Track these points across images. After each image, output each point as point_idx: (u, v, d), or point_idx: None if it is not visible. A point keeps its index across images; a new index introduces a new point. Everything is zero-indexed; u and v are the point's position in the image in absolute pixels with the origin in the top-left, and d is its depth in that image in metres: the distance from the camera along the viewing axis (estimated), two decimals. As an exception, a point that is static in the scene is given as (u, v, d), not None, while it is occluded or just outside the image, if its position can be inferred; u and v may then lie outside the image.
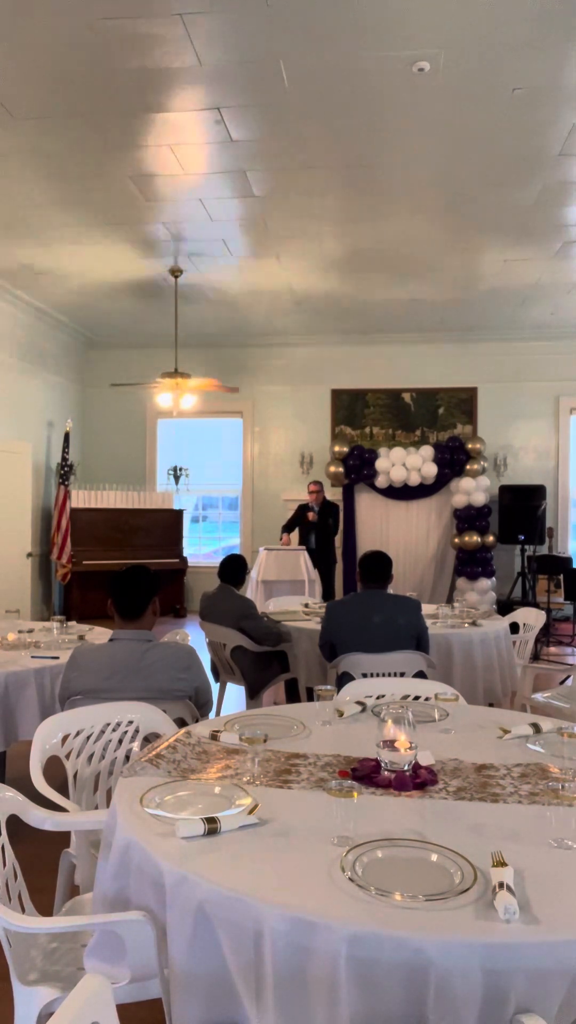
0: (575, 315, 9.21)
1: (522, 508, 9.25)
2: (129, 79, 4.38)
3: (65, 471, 9.48)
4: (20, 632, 4.18)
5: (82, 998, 1.09)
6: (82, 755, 2.39)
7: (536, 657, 7.07)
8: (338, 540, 9.91)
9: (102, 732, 2.42)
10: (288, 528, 8.58)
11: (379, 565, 3.84)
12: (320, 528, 8.60)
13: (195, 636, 4.35)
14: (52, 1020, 1.04)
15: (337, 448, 9.77)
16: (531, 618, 5.07)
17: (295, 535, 8.75)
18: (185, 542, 10.35)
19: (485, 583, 9.44)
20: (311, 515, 8.56)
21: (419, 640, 3.73)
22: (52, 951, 1.79)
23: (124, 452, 10.84)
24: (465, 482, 9.44)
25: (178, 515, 10.20)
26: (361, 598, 3.86)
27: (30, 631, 4.25)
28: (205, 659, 3.78)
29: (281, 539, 8.62)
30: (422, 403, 10.33)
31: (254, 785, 1.85)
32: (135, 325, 9.91)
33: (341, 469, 9.77)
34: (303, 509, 8.76)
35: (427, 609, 4.61)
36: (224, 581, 4.78)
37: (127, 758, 2.40)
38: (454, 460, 9.53)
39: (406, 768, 1.87)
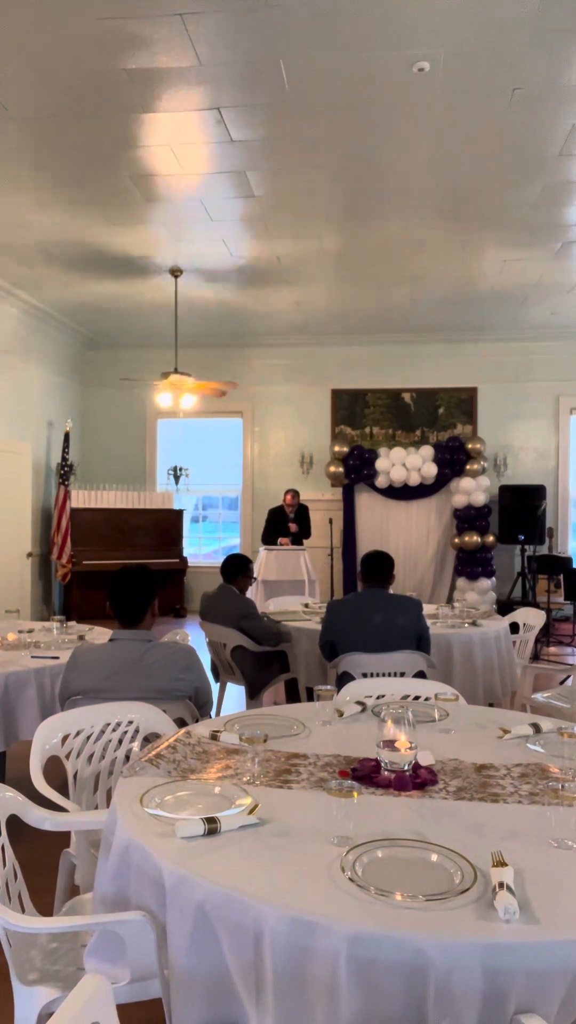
0: (575, 315, 9.21)
1: (522, 508, 9.25)
2: (129, 79, 4.38)
3: (65, 471, 9.48)
4: (20, 632, 4.18)
5: (82, 998, 1.09)
6: (82, 755, 2.39)
7: (536, 657, 7.07)
8: (337, 540, 9.92)
9: (102, 732, 2.42)
10: (270, 540, 8.47)
11: (380, 565, 3.83)
12: (296, 533, 8.55)
13: (195, 636, 4.35)
14: (52, 1020, 1.04)
15: (337, 448, 9.77)
16: (531, 618, 5.07)
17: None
18: (185, 542, 10.35)
19: (485, 583, 9.44)
20: (292, 526, 8.51)
21: (420, 640, 3.73)
22: (52, 951, 1.79)
23: (124, 452, 10.84)
24: (465, 482, 9.43)
25: (178, 515, 10.20)
26: (362, 598, 3.86)
27: (30, 631, 4.25)
28: (205, 659, 3.78)
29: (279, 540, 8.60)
30: (422, 403, 10.33)
31: (254, 785, 1.85)
32: (135, 325, 9.91)
33: (341, 469, 9.77)
34: (276, 515, 8.63)
35: (427, 609, 4.61)
36: (227, 580, 4.77)
37: (127, 758, 2.40)
38: (454, 460, 9.53)
39: (406, 768, 1.87)
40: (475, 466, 9.45)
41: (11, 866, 1.79)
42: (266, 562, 8.06)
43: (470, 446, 9.48)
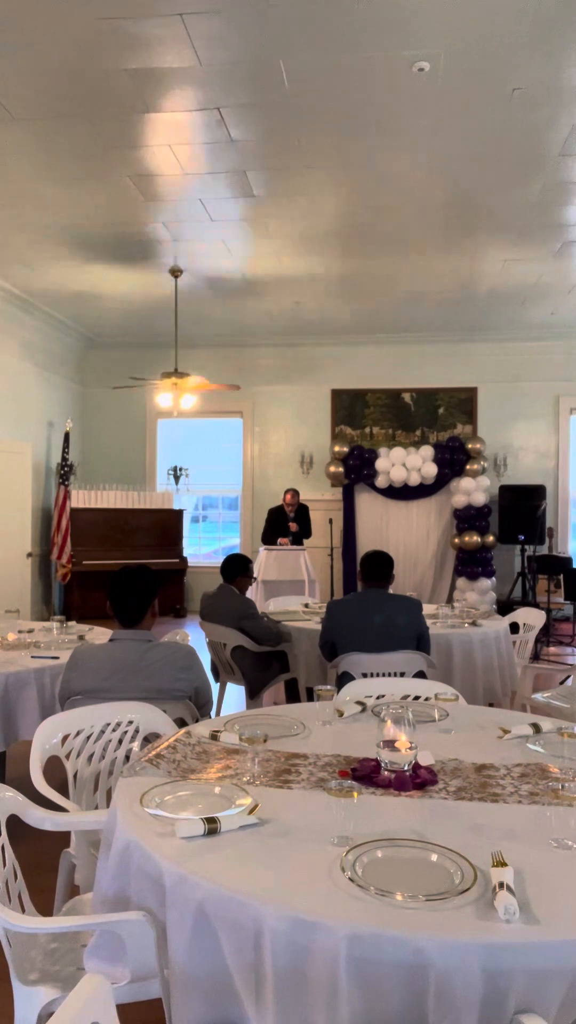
0: (575, 315, 9.21)
1: (522, 508, 9.25)
2: (129, 79, 4.38)
3: (65, 471, 9.48)
4: (20, 632, 4.18)
5: (82, 998, 1.09)
6: (82, 755, 2.39)
7: (536, 657, 7.07)
8: (337, 540, 9.92)
9: (102, 732, 2.42)
10: (270, 540, 8.48)
11: (380, 565, 3.83)
12: (297, 533, 8.55)
13: (195, 636, 4.35)
14: (52, 1020, 1.04)
15: (337, 448, 9.77)
16: (531, 618, 5.07)
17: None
18: (185, 542, 10.35)
19: (485, 583, 9.44)
20: (292, 526, 8.52)
21: (420, 640, 3.73)
22: (52, 951, 1.79)
23: (124, 452, 10.85)
24: (465, 482, 9.44)
25: (178, 515, 10.20)
26: (362, 598, 3.86)
27: (30, 631, 4.25)
28: (205, 659, 3.78)
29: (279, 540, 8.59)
30: (422, 403, 10.33)
31: (254, 785, 1.85)
32: (135, 325, 9.91)
33: (341, 469, 9.77)
34: (276, 515, 8.63)
35: (427, 609, 4.61)
36: (227, 580, 4.77)
37: (127, 758, 2.40)
38: (454, 460, 9.53)
39: (406, 768, 1.87)
40: (475, 466, 9.45)
41: (11, 866, 1.79)
42: (266, 562, 8.06)
43: (470, 446, 9.48)
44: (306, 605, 5.53)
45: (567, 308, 8.92)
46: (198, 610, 4.92)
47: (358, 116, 4.75)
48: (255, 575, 7.70)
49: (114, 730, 2.43)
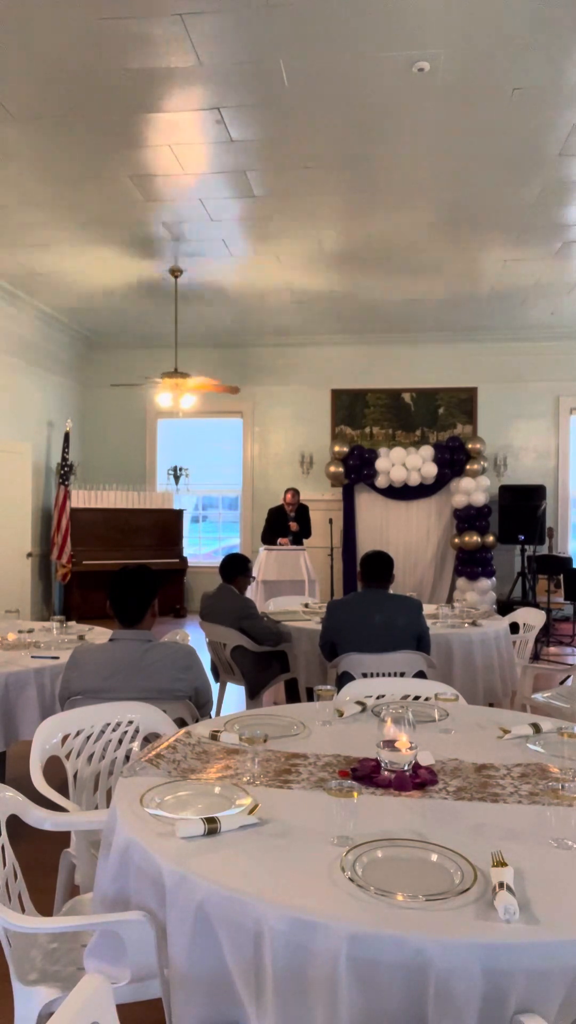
0: (575, 315, 9.21)
1: (522, 508, 9.25)
2: (129, 79, 4.38)
3: (65, 471, 9.48)
4: (20, 632, 4.18)
5: (82, 998, 1.09)
6: (82, 755, 2.39)
7: (536, 657, 7.07)
8: (337, 540, 9.92)
9: (102, 732, 2.42)
10: (270, 540, 8.47)
11: (380, 565, 3.83)
12: (297, 532, 8.55)
13: (195, 636, 4.35)
14: (52, 1020, 1.04)
15: (337, 448, 9.77)
16: (531, 618, 5.07)
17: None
18: (185, 542, 10.35)
19: (485, 583, 9.43)
20: (293, 525, 8.52)
21: (420, 640, 3.73)
22: (52, 951, 1.79)
23: (124, 452, 10.85)
24: (465, 482, 9.43)
25: (178, 515, 10.20)
26: (362, 598, 3.86)
27: (30, 631, 4.25)
28: (205, 659, 3.78)
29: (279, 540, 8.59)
30: (422, 403, 10.33)
31: (254, 785, 1.85)
32: (135, 325, 9.91)
33: (341, 469, 9.77)
34: (277, 515, 8.63)
35: (427, 609, 4.61)
36: (226, 580, 4.77)
37: (127, 758, 2.40)
38: (454, 460, 9.53)
39: (406, 768, 1.87)
40: (475, 466, 9.45)
41: (11, 866, 1.79)
42: (266, 562, 8.06)
43: (470, 446, 9.48)
44: (306, 605, 5.53)
45: (567, 308, 8.92)
46: (198, 610, 4.92)
47: (358, 116, 4.75)
48: (255, 575, 7.70)
49: (114, 730, 2.44)
